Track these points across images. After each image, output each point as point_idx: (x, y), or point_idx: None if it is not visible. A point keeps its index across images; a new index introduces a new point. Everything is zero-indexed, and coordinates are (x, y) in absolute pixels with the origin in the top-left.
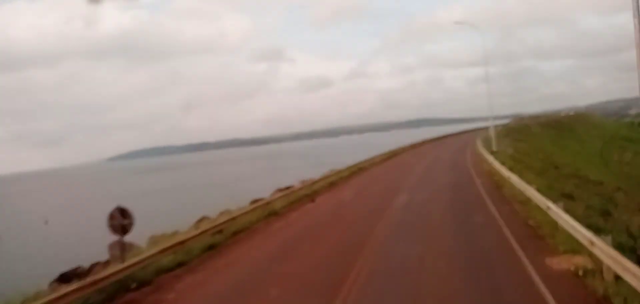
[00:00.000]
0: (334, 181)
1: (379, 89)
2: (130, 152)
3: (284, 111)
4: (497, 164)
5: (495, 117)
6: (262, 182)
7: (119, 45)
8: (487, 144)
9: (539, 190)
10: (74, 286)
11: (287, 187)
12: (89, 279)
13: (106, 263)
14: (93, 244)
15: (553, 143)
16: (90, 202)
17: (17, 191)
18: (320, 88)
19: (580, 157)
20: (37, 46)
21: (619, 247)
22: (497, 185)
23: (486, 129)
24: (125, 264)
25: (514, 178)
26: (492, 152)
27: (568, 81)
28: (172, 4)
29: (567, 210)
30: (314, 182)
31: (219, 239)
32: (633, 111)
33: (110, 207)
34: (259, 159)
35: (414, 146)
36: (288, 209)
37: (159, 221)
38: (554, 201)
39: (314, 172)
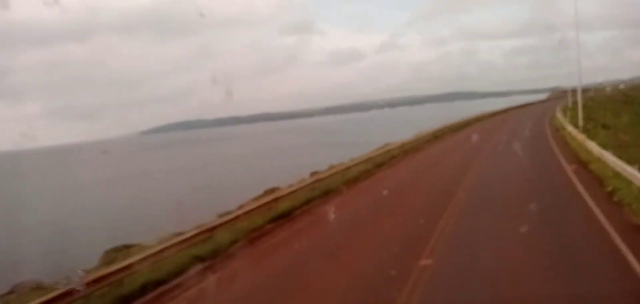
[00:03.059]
0: None
1: (411, 62)
2: (163, 125)
3: (314, 84)
4: None
5: (534, 91)
6: None
7: (148, 20)
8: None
9: None
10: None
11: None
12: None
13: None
14: None
15: None
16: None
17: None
18: (351, 61)
19: None
20: (65, 20)
21: None
22: None
23: (542, 102)
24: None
25: None
26: None
27: (609, 53)
28: None
29: None
30: None
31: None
32: None
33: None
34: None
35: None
36: None
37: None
38: None
39: None
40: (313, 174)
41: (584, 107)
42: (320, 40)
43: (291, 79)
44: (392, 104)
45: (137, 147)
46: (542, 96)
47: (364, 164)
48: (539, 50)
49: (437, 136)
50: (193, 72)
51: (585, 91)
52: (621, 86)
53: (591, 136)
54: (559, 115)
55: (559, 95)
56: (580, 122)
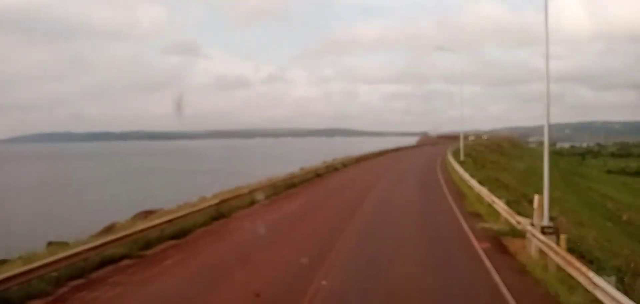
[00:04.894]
0: None
1: (296, 96)
2: (26, 135)
3: (198, 107)
4: None
5: (406, 134)
6: None
7: (17, 20)
8: None
9: None
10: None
11: None
12: None
13: None
14: None
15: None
16: None
17: None
18: (238, 88)
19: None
20: None
21: None
22: None
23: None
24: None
25: None
26: None
27: (474, 106)
28: None
29: None
30: None
31: None
32: (532, 139)
33: None
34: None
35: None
36: None
37: None
38: None
39: None
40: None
41: (469, 155)
42: (206, 63)
43: (173, 100)
44: (277, 134)
45: None
46: (413, 140)
47: None
48: (411, 98)
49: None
50: (65, 81)
51: (454, 137)
52: (484, 137)
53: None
54: (461, 172)
55: (431, 140)
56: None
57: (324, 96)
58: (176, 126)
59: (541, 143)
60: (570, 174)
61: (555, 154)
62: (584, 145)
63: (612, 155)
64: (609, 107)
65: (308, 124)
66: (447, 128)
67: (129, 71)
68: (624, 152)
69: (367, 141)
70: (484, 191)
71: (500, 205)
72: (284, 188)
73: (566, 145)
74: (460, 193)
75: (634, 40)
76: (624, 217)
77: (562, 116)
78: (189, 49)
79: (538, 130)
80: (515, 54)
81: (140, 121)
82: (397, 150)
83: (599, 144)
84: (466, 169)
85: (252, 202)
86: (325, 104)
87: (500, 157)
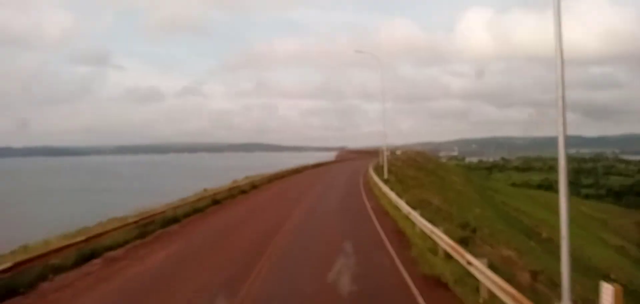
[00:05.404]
0: None
1: (213, 110)
2: None
3: (108, 120)
4: None
5: (325, 149)
6: None
7: None
8: None
9: None
10: None
11: None
12: None
13: None
14: None
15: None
16: None
17: None
18: (150, 101)
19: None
20: None
21: None
22: None
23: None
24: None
25: None
26: None
27: (387, 121)
28: None
29: None
30: None
31: None
32: (442, 153)
33: None
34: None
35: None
36: None
37: None
38: None
39: None
40: None
41: (391, 172)
42: (117, 74)
43: (81, 113)
44: (193, 149)
45: None
46: (331, 155)
47: None
48: (329, 113)
49: None
50: None
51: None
52: (398, 152)
53: None
54: (392, 196)
55: (349, 155)
56: None
57: (242, 110)
58: (86, 141)
59: (451, 158)
60: (483, 189)
61: (466, 168)
62: (490, 159)
63: (516, 169)
64: (511, 123)
65: (226, 138)
66: (362, 143)
67: (33, 81)
68: (526, 166)
69: (287, 156)
70: (445, 240)
71: (490, 277)
72: (160, 225)
73: (474, 159)
74: (399, 232)
75: (530, 61)
76: (544, 235)
77: (469, 131)
78: (99, 59)
79: (446, 145)
80: (425, 71)
81: (45, 135)
82: (316, 166)
83: (503, 159)
84: (396, 192)
85: (92, 255)
86: (244, 118)
87: (418, 172)
